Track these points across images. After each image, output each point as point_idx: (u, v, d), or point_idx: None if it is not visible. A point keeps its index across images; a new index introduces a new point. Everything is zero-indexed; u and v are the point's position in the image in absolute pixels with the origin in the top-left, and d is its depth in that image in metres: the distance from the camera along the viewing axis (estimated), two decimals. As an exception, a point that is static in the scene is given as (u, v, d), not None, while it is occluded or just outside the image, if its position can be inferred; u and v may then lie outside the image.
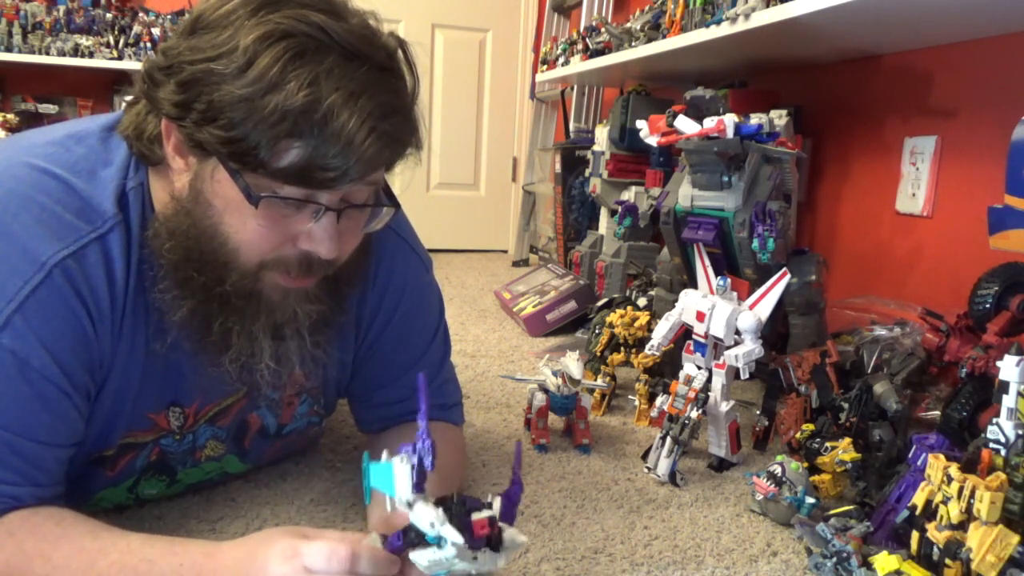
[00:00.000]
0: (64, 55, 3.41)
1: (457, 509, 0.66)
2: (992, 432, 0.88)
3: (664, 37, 1.94)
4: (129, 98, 0.88)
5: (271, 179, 0.75)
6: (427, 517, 0.66)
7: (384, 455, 0.68)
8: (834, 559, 0.91)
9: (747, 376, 1.23)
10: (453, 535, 0.65)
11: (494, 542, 0.67)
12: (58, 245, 0.78)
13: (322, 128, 0.72)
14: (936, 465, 0.87)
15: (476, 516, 0.66)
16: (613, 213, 1.96)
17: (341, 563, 0.68)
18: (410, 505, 0.67)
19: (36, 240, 0.78)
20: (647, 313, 1.65)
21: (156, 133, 0.82)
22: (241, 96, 0.72)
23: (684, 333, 1.34)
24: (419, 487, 0.67)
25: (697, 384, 1.27)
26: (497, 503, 0.69)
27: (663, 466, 1.23)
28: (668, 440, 1.23)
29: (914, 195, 1.66)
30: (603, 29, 2.40)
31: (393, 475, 0.67)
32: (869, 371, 1.34)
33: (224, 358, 0.85)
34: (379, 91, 0.76)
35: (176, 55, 0.76)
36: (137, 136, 0.85)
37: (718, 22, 1.62)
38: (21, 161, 0.84)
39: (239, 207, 0.77)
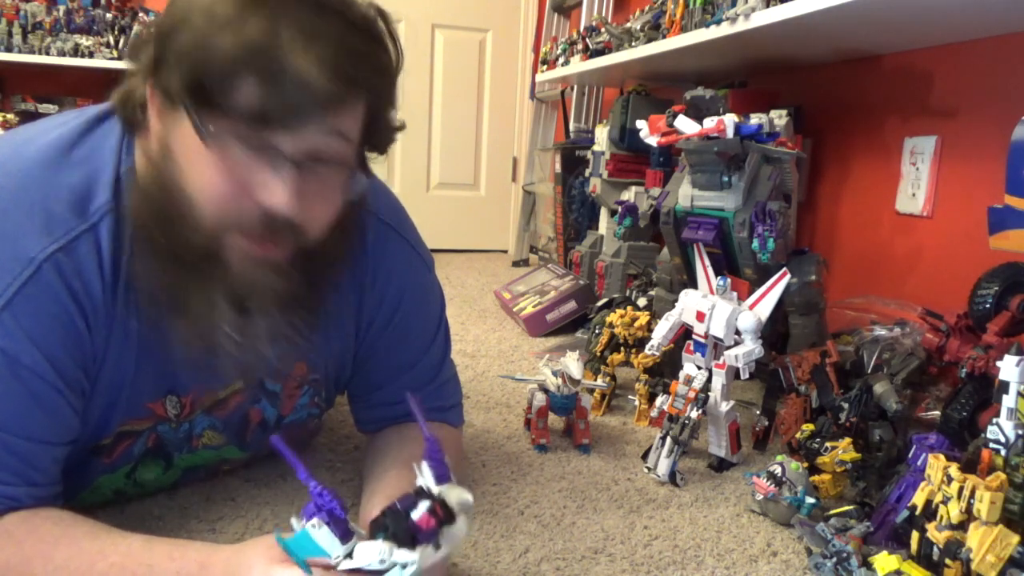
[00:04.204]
0: (64, 55, 3.41)
1: (395, 524, 0.65)
2: (992, 432, 0.88)
3: (664, 37, 1.94)
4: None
5: (229, 121, 0.73)
6: (374, 555, 0.64)
7: (294, 523, 0.67)
8: (834, 559, 0.91)
9: (747, 376, 1.23)
10: (408, 556, 0.64)
11: (446, 518, 0.67)
12: (47, 240, 0.78)
13: (278, 63, 0.71)
14: (936, 465, 0.87)
15: (415, 514, 0.65)
16: (613, 213, 1.96)
17: None
18: (349, 555, 0.65)
19: (24, 236, 0.78)
20: (647, 313, 1.65)
21: (143, 100, 0.82)
22: (201, 34, 0.72)
23: (684, 333, 1.34)
24: (345, 537, 0.66)
25: (697, 384, 1.27)
26: (426, 468, 0.69)
27: (663, 466, 1.23)
28: (668, 440, 1.23)
29: (914, 195, 1.66)
30: (603, 29, 2.40)
31: (315, 541, 0.66)
32: (869, 371, 1.33)
33: (182, 325, 0.82)
34: (343, 35, 0.75)
35: (158, 19, 0.77)
36: (124, 102, 0.84)
37: (718, 22, 1.62)
38: (13, 156, 0.83)
39: (198, 156, 0.76)
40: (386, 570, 0.65)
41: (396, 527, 0.65)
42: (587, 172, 2.55)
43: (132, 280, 0.82)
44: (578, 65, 2.60)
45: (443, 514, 0.66)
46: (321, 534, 0.65)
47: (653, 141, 1.43)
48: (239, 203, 0.77)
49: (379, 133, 0.86)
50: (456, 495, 0.68)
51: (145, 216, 0.80)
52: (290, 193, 0.76)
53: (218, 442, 1.03)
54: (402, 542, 0.65)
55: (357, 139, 0.83)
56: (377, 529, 0.66)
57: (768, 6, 1.47)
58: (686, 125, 1.37)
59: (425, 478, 0.69)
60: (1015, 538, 0.78)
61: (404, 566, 0.65)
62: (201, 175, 0.76)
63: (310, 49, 0.72)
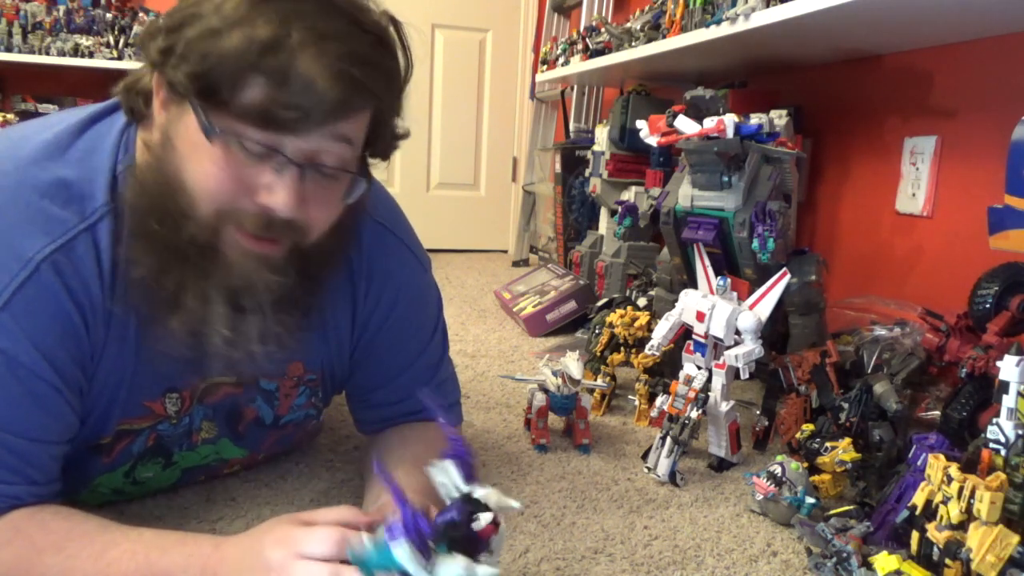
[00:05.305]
0: (64, 55, 3.41)
1: (464, 534, 0.66)
2: (992, 432, 0.88)
3: (664, 37, 1.94)
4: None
5: (235, 120, 0.74)
6: (455, 572, 0.65)
7: (366, 542, 0.67)
8: (834, 559, 0.91)
9: (747, 376, 1.23)
10: (488, 571, 0.65)
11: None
12: (45, 240, 0.78)
13: (287, 65, 0.71)
14: (936, 465, 0.87)
15: (478, 526, 0.66)
16: (613, 213, 1.96)
17: (332, 546, 0.68)
18: (430, 573, 0.66)
19: (22, 236, 0.78)
20: (647, 313, 1.65)
21: (148, 89, 0.82)
22: (210, 30, 0.72)
23: (684, 333, 1.34)
24: (428, 554, 0.66)
25: (697, 384, 1.27)
26: (451, 467, 0.68)
27: (663, 466, 1.23)
28: (668, 440, 1.23)
29: (914, 195, 1.66)
30: (603, 29, 2.40)
31: (396, 559, 0.65)
32: (869, 371, 1.34)
33: (173, 319, 0.81)
34: (353, 40, 0.75)
35: (171, 11, 0.77)
36: (128, 89, 0.84)
37: (718, 22, 1.62)
38: (9, 155, 0.83)
39: (199, 150, 0.76)
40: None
41: (465, 536, 0.66)
42: (587, 172, 2.55)
43: (128, 275, 0.82)
44: (578, 65, 2.60)
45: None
46: (405, 553, 0.65)
47: (653, 141, 1.43)
48: (238, 200, 0.77)
49: (383, 139, 0.87)
50: (497, 498, 0.68)
51: (143, 207, 0.80)
52: (291, 195, 0.76)
53: (213, 434, 1.02)
54: (466, 551, 0.65)
55: (360, 144, 0.83)
56: (441, 537, 0.66)
57: (768, 6, 1.47)
58: (686, 125, 1.37)
59: (451, 477, 0.69)
60: (1015, 538, 0.78)
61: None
62: (202, 169, 0.76)
63: (319, 53, 0.72)
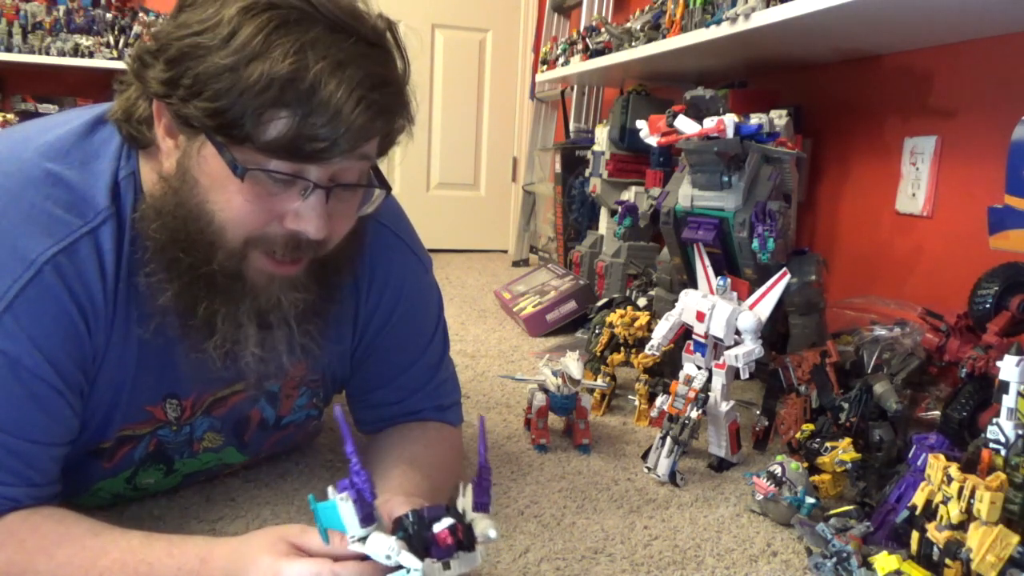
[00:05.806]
0: (64, 55, 3.42)
1: (415, 528, 0.66)
2: (992, 432, 0.88)
3: (664, 37, 1.94)
4: (119, 85, 0.87)
5: (258, 153, 0.74)
6: (382, 548, 0.65)
7: (330, 491, 0.67)
8: (834, 559, 0.91)
9: (747, 376, 1.23)
10: (412, 562, 0.65)
11: (466, 543, 0.67)
12: (48, 242, 0.78)
13: (310, 97, 0.71)
14: (936, 465, 0.87)
15: (437, 527, 0.66)
16: (613, 213, 1.96)
17: None
18: (363, 540, 0.66)
19: (25, 238, 0.78)
20: (647, 313, 1.65)
21: (146, 115, 0.82)
22: (225, 66, 0.71)
23: (684, 333, 1.34)
24: (367, 520, 0.66)
25: (697, 384, 1.27)
26: (469, 492, 0.69)
27: (663, 466, 1.23)
28: (668, 440, 1.23)
29: (914, 195, 1.66)
30: (603, 29, 2.40)
31: (339, 514, 0.66)
32: (869, 371, 1.33)
33: (208, 344, 0.83)
34: (367, 62, 0.75)
35: (165, 36, 0.76)
36: (126, 118, 0.84)
37: (718, 22, 1.62)
38: (11, 156, 0.83)
39: (225, 183, 0.76)
40: (393, 569, 0.66)
41: (414, 531, 0.66)
42: (587, 172, 2.55)
43: (147, 296, 0.83)
44: (578, 65, 2.60)
45: (463, 538, 0.66)
46: (346, 509, 0.66)
47: (653, 141, 1.43)
48: (267, 227, 0.79)
49: (391, 143, 0.88)
50: (484, 525, 0.68)
51: (164, 239, 0.80)
52: (320, 219, 0.78)
53: (218, 444, 1.02)
54: (414, 548, 0.65)
55: (375, 154, 0.84)
56: (397, 527, 0.67)
57: (768, 6, 1.47)
58: (686, 125, 1.37)
59: (465, 499, 0.70)
60: (1015, 538, 0.78)
61: (408, 572, 0.65)
62: (229, 203, 0.77)
63: (340, 82, 0.72)
